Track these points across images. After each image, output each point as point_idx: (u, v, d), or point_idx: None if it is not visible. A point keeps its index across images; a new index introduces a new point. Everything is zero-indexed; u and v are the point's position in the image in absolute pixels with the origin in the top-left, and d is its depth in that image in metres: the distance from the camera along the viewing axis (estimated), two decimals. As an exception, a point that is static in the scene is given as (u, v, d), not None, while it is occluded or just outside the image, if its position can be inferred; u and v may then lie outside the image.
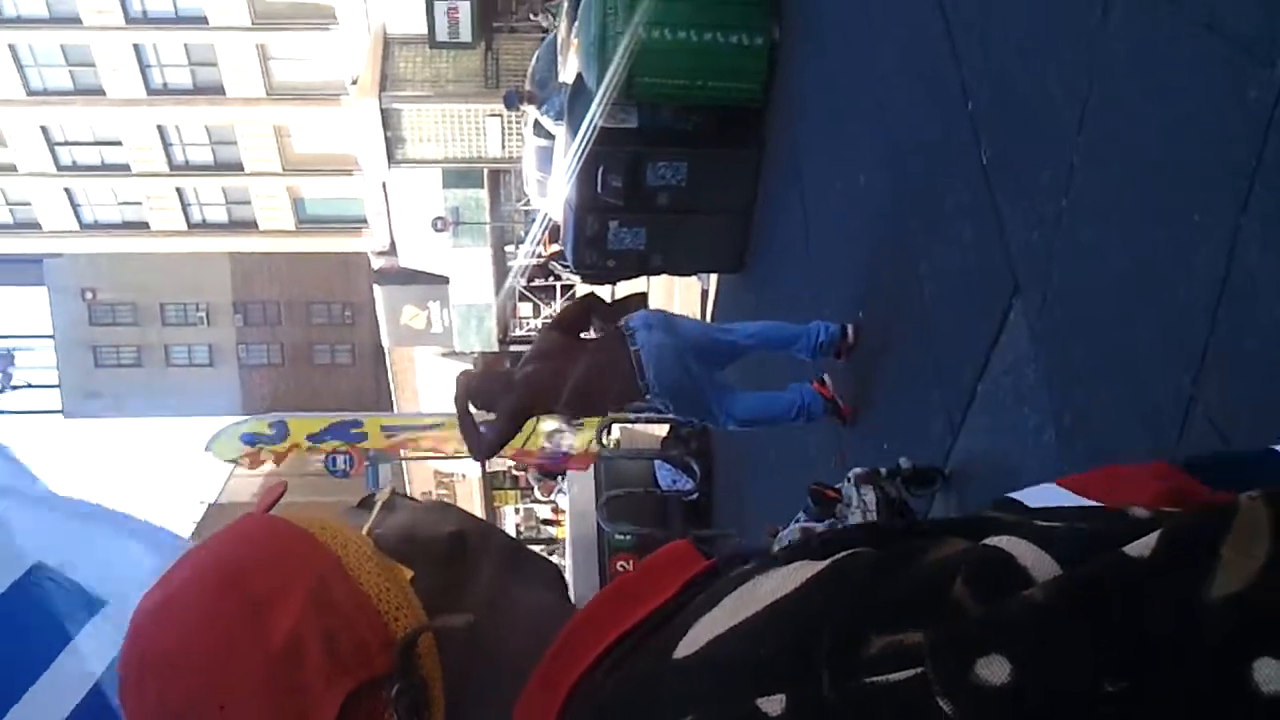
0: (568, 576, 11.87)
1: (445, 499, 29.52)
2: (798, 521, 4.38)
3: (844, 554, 0.70)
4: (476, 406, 5.63)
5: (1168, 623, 0.55)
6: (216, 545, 0.86)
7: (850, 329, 5.78)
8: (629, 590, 0.83)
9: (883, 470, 4.22)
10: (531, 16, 20.66)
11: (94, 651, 2.02)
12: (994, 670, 0.56)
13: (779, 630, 0.67)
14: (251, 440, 10.55)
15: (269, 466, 10.77)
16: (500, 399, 5.52)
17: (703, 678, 0.69)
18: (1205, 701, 0.54)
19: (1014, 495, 0.94)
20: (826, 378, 5.92)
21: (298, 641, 0.77)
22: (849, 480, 4.20)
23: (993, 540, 0.64)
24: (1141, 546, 0.58)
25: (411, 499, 1.02)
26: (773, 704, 0.63)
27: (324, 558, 0.83)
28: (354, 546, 0.85)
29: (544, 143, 10.83)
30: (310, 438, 10.67)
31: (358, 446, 10.88)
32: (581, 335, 5.78)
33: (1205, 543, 0.56)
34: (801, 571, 0.70)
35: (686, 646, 0.71)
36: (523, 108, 10.99)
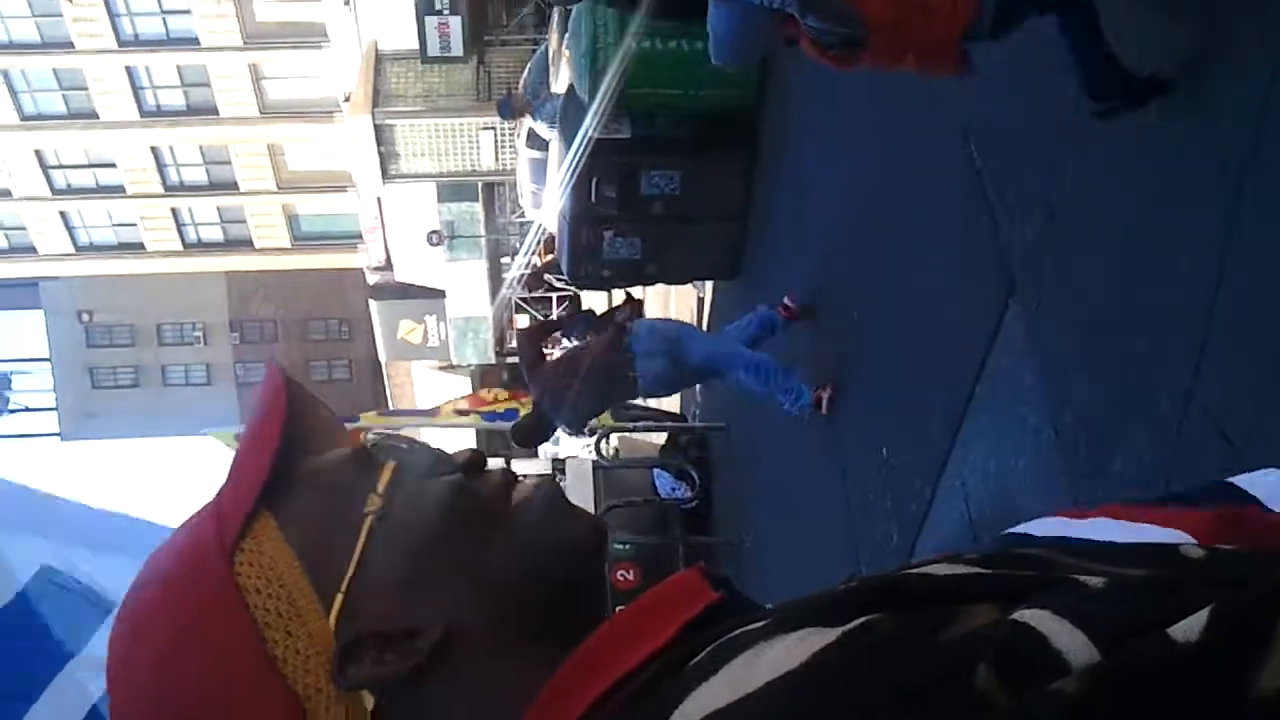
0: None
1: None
2: None
3: (857, 624, 0.63)
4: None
5: (1214, 717, 0.50)
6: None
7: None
8: (630, 626, 0.77)
9: None
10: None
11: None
12: None
13: (780, 713, 0.61)
14: None
15: None
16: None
17: None
18: None
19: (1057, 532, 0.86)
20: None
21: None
22: None
23: (1024, 615, 0.59)
24: (1188, 629, 0.53)
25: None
26: None
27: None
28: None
29: (537, 155, 10.84)
30: None
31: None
32: (544, 350, 6.46)
33: (1260, 623, 0.51)
34: (809, 642, 0.63)
35: (681, 718, 0.65)
36: (516, 114, 10.99)
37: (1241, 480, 0.90)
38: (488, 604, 0.79)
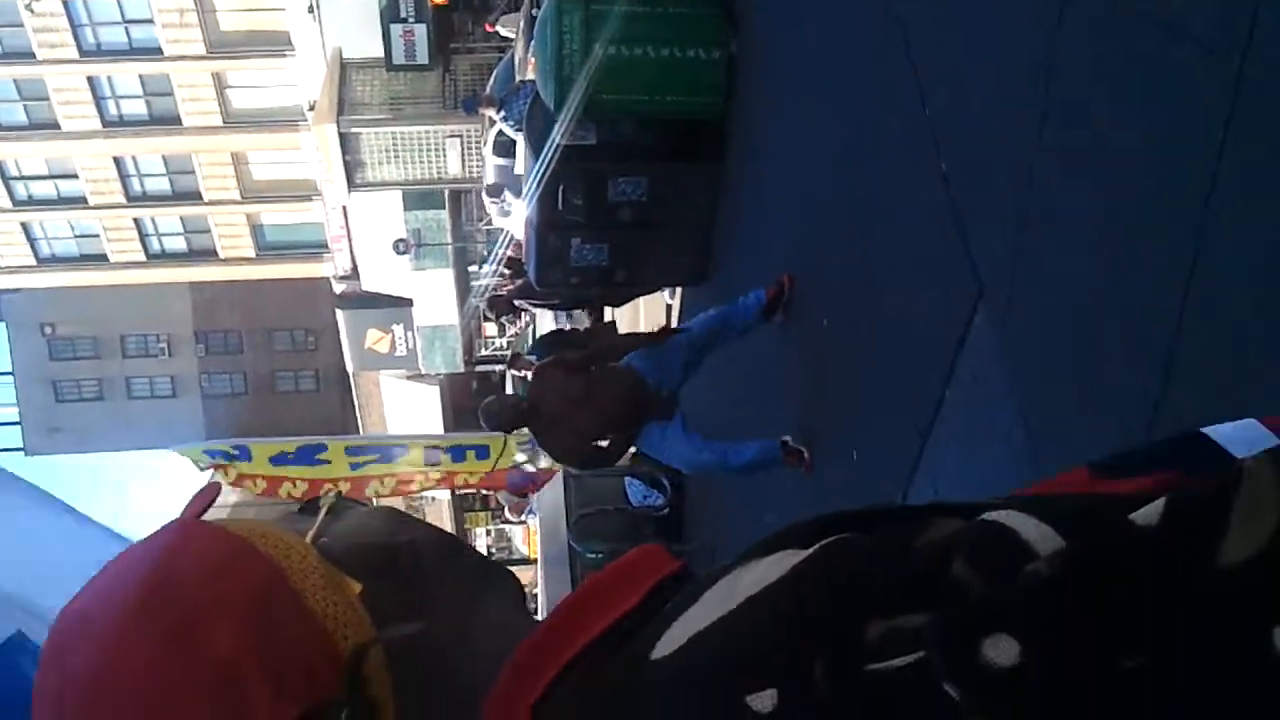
0: (540, 596, 11.74)
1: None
2: None
3: (831, 540, 0.65)
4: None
5: (1182, 592, 0.52)
6: (143, 555, 0.76)
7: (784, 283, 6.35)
8: (596, 595, 0.77)
9: None
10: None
11: None
12: (1001, 651, 0.53)
13: (766, 621, 0.62)
14: (215, 455, 10.40)
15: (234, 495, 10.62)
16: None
17: (684, 678, 0.64)
18: (1227, 672, 0.51)
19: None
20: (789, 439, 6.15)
21: (236, 667, 0.69)
22: None
23: (990, 515, 0.61)
24: (1148, 514, 0.55)
25: (359, 503, 0.92)
26: (763, 700, 0.59)
27: (265, 570, 0.74)
28: (298, 557, 0.76)
29: (503, 162, 10.82)
30: (273, 459, 10.51)
31: (319, 479, 10.65)
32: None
33: (1213, 506, 0.54)
34: (786, 560, 0.65)
35: (665, 646, 0.66)
36: (482, 111, 10.98)
37: (1214, 431, 0.94)
38: None
